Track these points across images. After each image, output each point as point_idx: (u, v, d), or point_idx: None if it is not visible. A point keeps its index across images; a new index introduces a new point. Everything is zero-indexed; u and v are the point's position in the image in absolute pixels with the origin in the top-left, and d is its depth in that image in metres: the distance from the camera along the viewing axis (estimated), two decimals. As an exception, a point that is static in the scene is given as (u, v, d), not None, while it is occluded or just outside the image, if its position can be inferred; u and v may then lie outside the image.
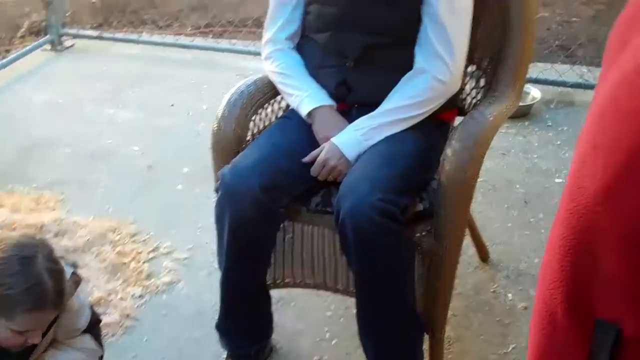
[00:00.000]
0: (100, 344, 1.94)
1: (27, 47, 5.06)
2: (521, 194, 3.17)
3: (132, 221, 3.14)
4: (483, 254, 2.80)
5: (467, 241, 2.61)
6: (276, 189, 2.09)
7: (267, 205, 2.08)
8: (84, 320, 1.87)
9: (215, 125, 2.31)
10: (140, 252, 2.93)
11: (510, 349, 2.42)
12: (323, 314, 2.60)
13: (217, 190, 2.14)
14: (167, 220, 3.16)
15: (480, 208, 3.02)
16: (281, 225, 2.29)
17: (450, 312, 2.30)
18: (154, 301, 2.70)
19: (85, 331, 1.88)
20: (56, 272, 1.62)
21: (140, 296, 2.72)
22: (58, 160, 3.67)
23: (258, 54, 4.44)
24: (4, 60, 4.83)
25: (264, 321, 2.36)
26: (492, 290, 2.67)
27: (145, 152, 3.72)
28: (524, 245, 2.88)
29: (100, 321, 1.99)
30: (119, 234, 3.04)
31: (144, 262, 2.88)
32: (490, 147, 2.09)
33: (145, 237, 3.04)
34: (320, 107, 2.23)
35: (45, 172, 3.56)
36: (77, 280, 1.80)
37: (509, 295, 2.64)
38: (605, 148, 0.62)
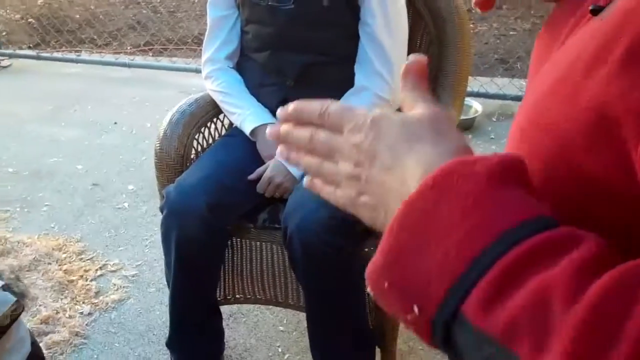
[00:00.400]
0: None
1: (-37, 67, 4.98)
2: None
3: (78, 239, 3.10)
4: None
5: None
6: (222, 207, 2.10)
7: (214, 223, 2.09)
8: (22, 355, 1.78)
9: (157, 145, 2.31)
10: (87, 270, 2.90)
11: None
12: (275, 328, 2.61)
13: (162, 209, 2.13)
14: (114, 237, 3.13)
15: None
16: (229, 242, 2.30)
17: (401, 326, 2.34)
18: (103, 319, 2.67)
19: None
20: None
21: (89, 314, 2.68)
22: (0, 179, 3.60)
23: (199, 70, 4.49)
24: (-60, 79, 4.74)
25: (215, 337, 2.35)
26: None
27: (89, 170, 3.68)
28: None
29: (43, 358, 1.91)
30: (65, 252, 3.00)
31: (91, 280, 2.85)
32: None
33: (92, 254, 3.01)
34: (263, 125, 2.25)
35: (-14, 191, 3.50)
36: (16, 311, 1.72)
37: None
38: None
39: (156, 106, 4.27)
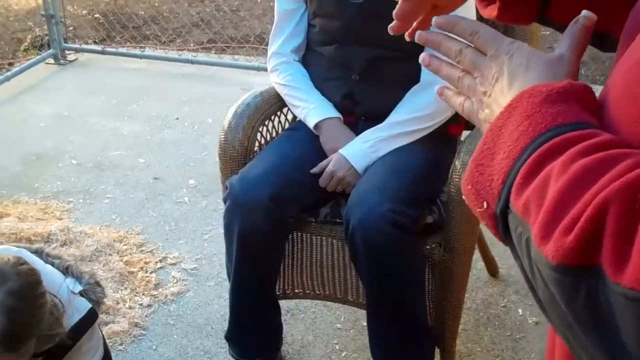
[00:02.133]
0: None
1: (31, 61, 5.07)
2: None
3: (139, 232, 3.13)
4: (492, 268, 2.80)
5: (476, 255, 2.60)
6: (285, 199, 2.09)
7: (276, 215, 2.08)
8: None
9: (222, 136, 2.31)
10: (147, 262, 2.92)
11: (522, 363, 2.41)
12: (333, 326, 2.59)
13: (225, 200, 2.13)
14: (174, 231, 3.15)
15: (489, 223, 3.01)
16: (290, 236, 2.29)
17: (460, 327, 2.30)
18: (162, 311, 2.68)
19: None
20: (14, 311, 1.47)
21: (149, 305, 2.70)
22: (64, 171, 3.66)
23: (261, 69, 4.53)
24: (8, 74, 4.83)
25: (273, 332, 2.34)
26: (502, 305, 2.67)
27: (151, 164, 3.71)
28: (533, 261, 2.87)
29: None
30: (126, 244, 3.03)
31: (151, 272, 2.87)
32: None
33: (153, 247, 3.03)
34: (327, 119, 2.23)
35: (51, 182, 3.55)
36: (91, 318, 1.73)
37: (519, 310, 2.64)
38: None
39: (218, 103, 4.28)
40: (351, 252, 2.02)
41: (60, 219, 3.22)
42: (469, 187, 0.72)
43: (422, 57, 0.87)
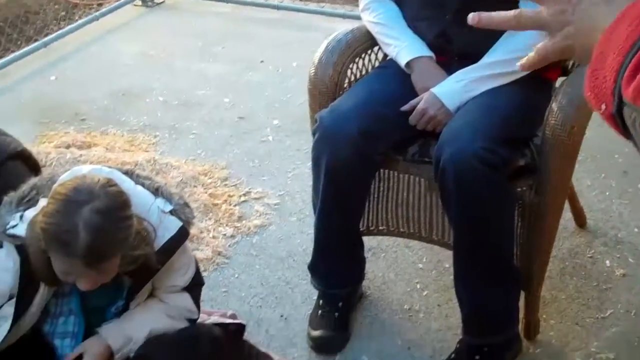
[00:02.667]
0: (198, 307, 1.90)
1: (119, 2, 5.13)
2: (620, 164, 3.08)
3: (223, 166, 3.16)
4: (580, 219, 2.73)
5: (564, 205, 2.55)
6: (374, 135, 2.07)
7: (365, 150, 2.06)
8: (184, 280, 1.84)
9: (312, 71, 2.30)
10: (231, 196, 2.95)
11: (608, 314, 2.35)
12: (414, 265, 2.58)
13: (314, 133, 2.13)
14: (258, 167, 3.18)
15: (578, 175, 2.94)
16: (377, 174, 2.28)
17: (545, 274, 2.26)
18: (245, 242, 2.72)
19: (185, 289, 1.85)
20: (99, 229, 1.49)
21: (232, 236, 2.74)
22: (151, 107, 3.72)
23: (347, 16, 4.49)
24: (97, 14, 4.90)
25: (356, 265, 2.34)
26: (589, 255, 2.61)
27: (235, 104, 3.74)
28: (623, 214, 2.80)
29: (202, 284, 1.95)
30: (210, 178, 3.07)
31: (235, 205, 2.90)
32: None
33: (237, 182, 3.06)
34: (419, 57, 2.19)
35: (138, 117, 3.61)
36: (182, 236, 1.76)
37: (607, 261, 2.57)
38: None
39: (302, 48, 4.25)
40: (441, 190, 1.99)
41: (146, 151, 3.28)
42: (589, 93, 0.76)
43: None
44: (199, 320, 1.89)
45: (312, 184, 2.20)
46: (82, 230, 1.47)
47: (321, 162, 2.10)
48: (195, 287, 1.87)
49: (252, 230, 2.77)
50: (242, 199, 2.95)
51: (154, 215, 1.69)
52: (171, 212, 1.74)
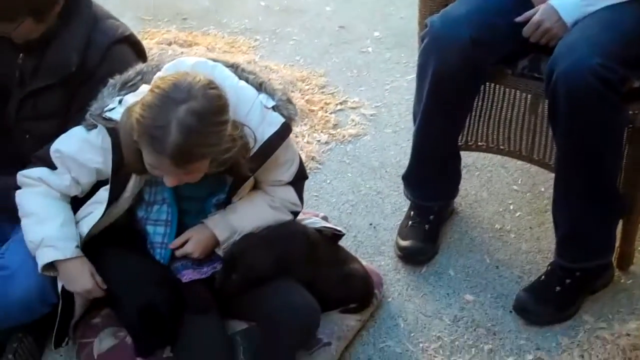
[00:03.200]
0: (301, 200, 1.92)
1: None
2: None
3: (321, 74, 3.15)
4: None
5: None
6: (485, 44, 1.99)
7: (475, 59, 1.99)
8: (289, 174, 1.84)
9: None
10: (328, 103, 2.94)
11: None
12: (509, 187, 2.53)
13: (423, 38, 2.07)
14: (356, 77, 3.15)
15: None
16: (482, 87, 2.22)
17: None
18: (338, 149, 2.72)
19: (289, 183, 1.87)
20: (191, 130, 1.48)
21: (326, 143, 2.74)
22: (252, 11, 3.71)
23: None
24: None
25: (452, 179, 2.31)
26: (693, 190, 2.50)
27: (337, 12, 3.69)
28: None
29: (306, 178, 1.96)
30: (308, 84, 3.06)
31: (331, 113, 2.89)
32: None
33: (334, 90, 3.04)
34: None
35: (239, 20, 3.61)
36: (285, 132, 1.75)
37: None
38: None
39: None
40: (550, 105, 1.92)
41: (246, 54, 3.28)
42: None
43: None
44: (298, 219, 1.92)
45: (415, 91, 2.15)
46: (174, 129, 1.47)
47: (427, 68, 2.05)
48: (299, 181, 1.89)
49: (347, 139, 2.76)
50: (339, 107, 2.93)
51: (257, 111, 1.68)
52: (274, 108, 1.73)
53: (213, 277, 1.81)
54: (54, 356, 1.97)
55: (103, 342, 1.86)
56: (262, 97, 1.72)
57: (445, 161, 2.25)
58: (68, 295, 1.77)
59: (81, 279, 1.74)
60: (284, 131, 1.73)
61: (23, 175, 1.75)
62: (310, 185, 2.49)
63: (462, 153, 2.33)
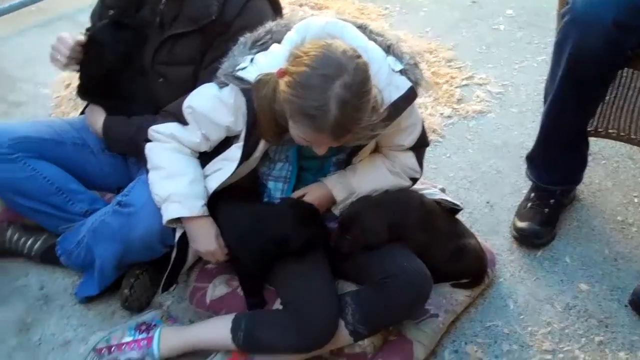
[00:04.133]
0: (421, 166, 1.91)
1: None
2: None
3: (450, 47, 3.11)
4: None
5: None
6: (629, 28, 1.90)
7: (616, 41, 1.91)
8: (410, 139, 1.83)
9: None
10: (454, 77, 2.91)
11: None
12: (635, 179, 2.44)
13: (563, 15, 2.00)
14: (485, 54, 3.09)
15: None
16: (620, 72, 2.13)
17: None
18: (461, 124, 2.68)
19: (410, 149, 1.85)
20: (349, 104, 1.48)
21: (449, 117, 2.71)
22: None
23: None
24: None
25: (577, 164, 2.24)
26: None
27: (470, -13, 3.63)
28: None
29: (427, 145, 1.93)
30: (435, 57, 3.03)
31: (456, 87, 2.86)
32: None
33: (461, 64, 3.00)
34: None
35: (370, -13, 3.61)
36: (410, 96, 1.71)
37: None
38: None
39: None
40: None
41: (375, 21, 3.27)
42: None
43: None
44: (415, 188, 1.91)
45: (549, 70, 2.09)
46: (332, 106, 1.47)
47: (565, 47, 1.98)
48: (420, 147, 1.87)
49: (470, 115, 2.72)
50: (464, 82, 2.89)
51: (384, 74, 1.66)
52: (401, 72, 1.70)
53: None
54: (166, 296, 2.04)
55: (216, 289, 1.92)
56: (390, 59, 1.69)
57: (573, 145, 2.18)
58: (183, 244, 1.82)
59: (205, 239, 1.78)
60: (410, 95, 1.71)
61: (155, 131, 1.78)
62: (429, 157, 2.47)
63: (590, 140, 2.25)
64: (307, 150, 1.76)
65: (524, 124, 2.66)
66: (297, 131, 1.55)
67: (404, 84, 1.69)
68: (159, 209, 1.80)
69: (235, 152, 1.74)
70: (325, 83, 1.47)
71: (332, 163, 1.85)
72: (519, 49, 3.13)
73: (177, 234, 1.81)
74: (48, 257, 2.09)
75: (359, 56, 1.52)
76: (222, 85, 1.70)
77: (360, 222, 1.77)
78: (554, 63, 2.07)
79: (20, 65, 3.16)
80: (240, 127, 1.71)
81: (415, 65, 1.74)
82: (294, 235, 1.74)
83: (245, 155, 1.72)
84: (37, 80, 3.03)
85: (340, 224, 1.80)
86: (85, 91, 2.05)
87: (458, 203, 2.01)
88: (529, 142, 2.27)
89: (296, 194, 1.82)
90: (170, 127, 1.76)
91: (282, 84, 1.52)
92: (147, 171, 1.80)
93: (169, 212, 1.74)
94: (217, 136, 1.76)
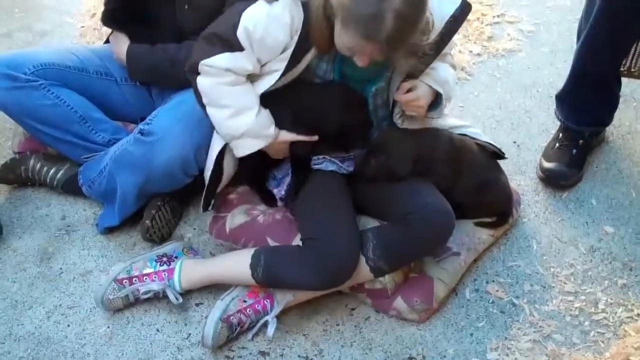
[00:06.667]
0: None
1: None
2: None
3: (482, -15, 3.03)
4: None
5: None
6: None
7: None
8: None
9: None
10: (485, 14, 2.84)
11: None
12: (666, 121, 2.39)
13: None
14: (518, -9, 3.02)
15: None
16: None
17: None
18: (490, 63, 2.63)
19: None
20: (405, 17, 1.46)
21: (478, 54, 2.65)
22: None
23: None
24: None
25: (608, 105, 2.19)
26: None
27: None
28: None
29: None
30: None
31: (487, 25, 2.79)
32: None
33: (493, 2, 2.93)
34: None
35: None
36: (466, 9, 1.70)
37: None
38: None
39: None
40: None
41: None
42: None
43: None
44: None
45: (584, 6, 2.03)
46: (389, 17, 1.45)
47: None
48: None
49: (500, 53, 2.66)
50: (495, 20, 2.83)
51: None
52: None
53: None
54: (187, 228, 2.05)
55: (235, 218, 1.91)
56: None
57: (605, 85, 2.13)
58: (219, 159, 1.80)
59: (281, 150, 1.80)
60: (466, 7, 1.71)
61: (207, 65, 1.66)
62: (456, 95, 2.44)
63: (622, 80, 2.20)
64: (350, 70, 1.73)
65: (555, 63, 2.60)
66: (345, 38, 1.54)
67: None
68: (181, 138, 1.79)
69: (279, 64, 1.68)
70: None
71: (372, 94, 1.80)
72: (553, -14, 3.04)
73: (214, 151, 1.79)
74: (70, 187, 2.10)
75: None
76: (271, 0, 1.63)
77: (387, 148, 1.76)
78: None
79: (45, -7, 3.14)
80: (293, 44, 1.65)
81: None
82: (333, 116, 1.74)
83: (291, 64, 1.67)
84: (62, 9, 3.00)
85: (369, 149, 1.79)
86: (110, 18, 2.03)
87: (502, 151, 1.97)
88: (559, 82, 2.22)
89: (406, 85, 1.73)
90: (223, 60, 1.65)
91: None
92: (202, 106, 1.72)
93: (247, 148, 1.72)
94: (270, 57, 1.68)
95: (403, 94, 1.72)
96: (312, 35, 1.61)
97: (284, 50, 1.65)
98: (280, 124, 1.74)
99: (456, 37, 2.57)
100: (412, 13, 1.47)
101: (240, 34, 1.62)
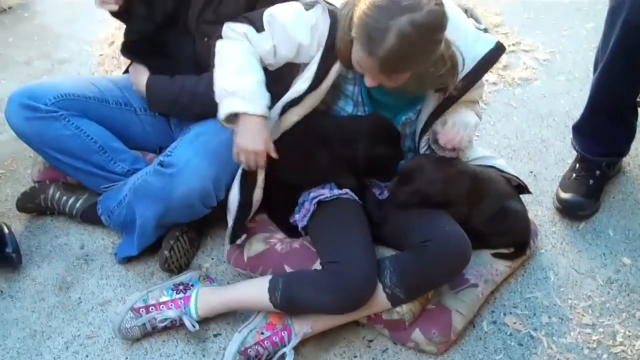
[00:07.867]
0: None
1: None
2: None
3: (497, 12, 3.06)
4: None
5: None
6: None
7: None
8: (479, 93, 1.93)
9: None
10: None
11: None
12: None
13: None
14: (533, 20, 3.04)
15: None
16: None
17: None
18: (506, 92, 2.64)
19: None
20: (407, 40, 1.47)
21: (494, 83, 2.67)
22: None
23: None
24: None
25: (624, 135, 2.19)
26: None
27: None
28: None
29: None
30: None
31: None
32: None
33: (508, 30, 2.95)
34: None
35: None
36: (499, 50, 1.73)
37: None
38: None
39: None
40: None
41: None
42: None
43: None
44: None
45: (602, 37, 2.04)
46: (391, 35, 1.47)
47: (620, 13, 1.93)
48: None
49: (516, 82, 2.67)
50: (511, 48, 2.84)
51: (471, 31, 1.70)
52: (485, 30, 1.76)
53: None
54: (205, 258, 2.06)
55: (253, 246, 1.92)
56: (472, 20, 1.74)
57: (622, 115, 2.13)
58: (247, 195, 1.82)
59: (257, 138, 1.71)
60: (500, 49, 1.74)
61: (229, 27, 1.74)
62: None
63: (639, 110, 2.20)
64: (379, 95, 1.78)
65: (571, 92, 2.61)
66: (354, 51, 1.59)
67: (491, 40, 1.73)
68: (201, 170, 1.81)
69: (307, 74, 1.73)
70: (395, 11, 1.48)
71: (401, 123, 1.83)
72: (567, 14, 3.06)
73: (236, 183, 1.82)
74: (89, 216, 2.11)
75: (439, 4, 1.51)
76: (308, 7, 1.71)
77: (420, 174, 1.78)
78: (607, 30, 2.01)
79: (64, 21, 3.18)
80: (312, 54, 1.71)
81: (486, 29, 1.78)
82: (364, 146, 1.77)
83: (318, 76, 1.71)
84: (80, 38, 3.04)
85: (401, 175, 1.82)
86: (130, 49, 2.05)
87: (526, 185, 1.98)
88: (575, 111, 2.23)
89: (451, 128, 1.77)
90: (245, 27, 1.72)
91: (363, 2, 1.53)
92: (213, 66, 1.75)
93: (232, 106, 1.68)
94: (285, 52, 1.73)
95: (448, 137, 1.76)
96: (338, 46, 1.66)
97: (299, 62, 1.74)
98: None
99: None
100: (417, 39, 1.49)
101: (265, 16, 1.71)
